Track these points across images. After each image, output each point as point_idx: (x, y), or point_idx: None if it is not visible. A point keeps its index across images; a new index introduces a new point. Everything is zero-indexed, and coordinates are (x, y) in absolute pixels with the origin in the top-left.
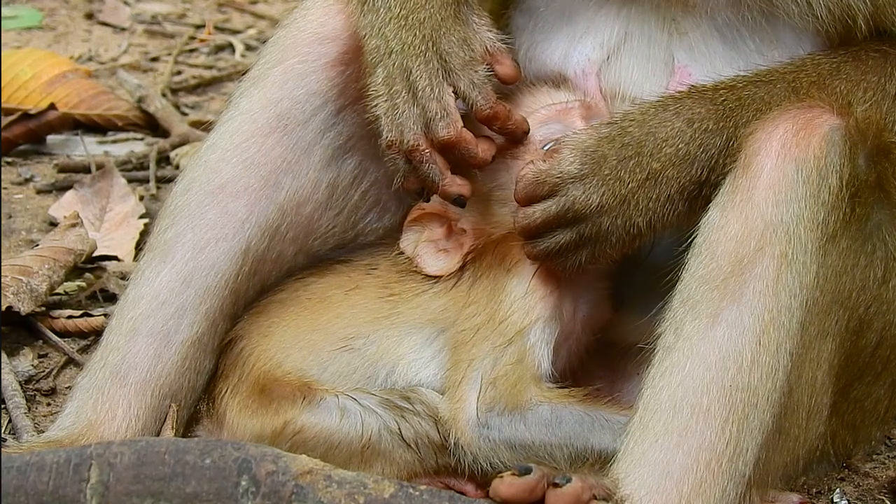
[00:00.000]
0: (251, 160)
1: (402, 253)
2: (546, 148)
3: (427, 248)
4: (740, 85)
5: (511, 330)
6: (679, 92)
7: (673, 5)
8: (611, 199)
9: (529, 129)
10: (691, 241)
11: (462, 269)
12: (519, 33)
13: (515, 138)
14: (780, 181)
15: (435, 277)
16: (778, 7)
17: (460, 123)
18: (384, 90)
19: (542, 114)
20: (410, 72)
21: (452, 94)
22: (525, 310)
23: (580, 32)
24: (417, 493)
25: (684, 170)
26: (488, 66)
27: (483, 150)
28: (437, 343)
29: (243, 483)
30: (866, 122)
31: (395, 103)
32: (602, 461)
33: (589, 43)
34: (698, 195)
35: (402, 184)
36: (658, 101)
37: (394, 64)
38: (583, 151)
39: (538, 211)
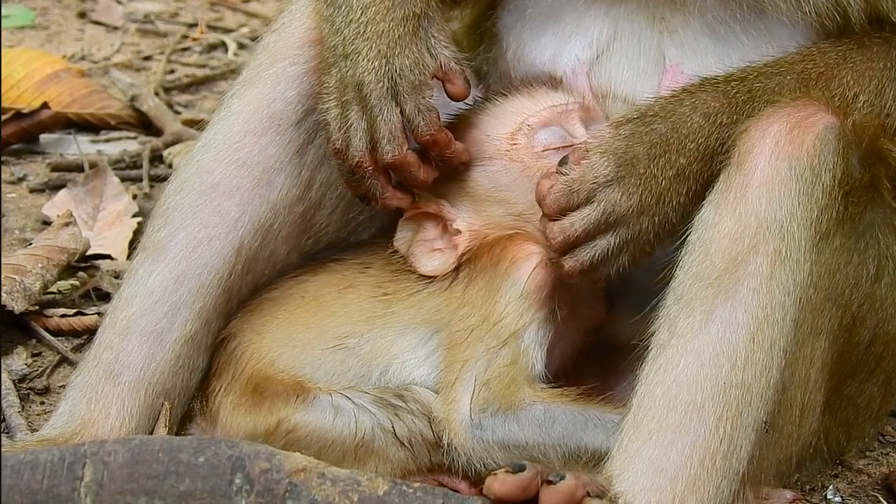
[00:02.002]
0: (244, 160)
1: (396, 252)
2: (544, 149)
3: (421, 248)
4: (751, 76)
5: (505, 332)
6: (692, 85)
7: (661, 3)
8: (649, 198)
9: (468, 161)
10: (685, 239)
11: (457, 269)
12: (507, 33)
13: (452, 166)
14: (773, 179)
15: (429, 277)
16: (766, 3)
17: (406, 146)
18: (336, 95)
19: (541, 116)
20: (362, 86)
21: (400, 116)
22: (519, 312)
23: (569, 32)
24: (411, 490)
25: (707, 164)
26: (441, 83)
27: (425, 171)
28: (431, 343)
29: (237, 481)
30: (863, 124)
31: (345, 114)
32: (596, 460)
33: (578, 42)
34: None
35: (346, 187)
36: (673, 96)
37: (348, 71)
38: (614, 153)
39: (577, 221)
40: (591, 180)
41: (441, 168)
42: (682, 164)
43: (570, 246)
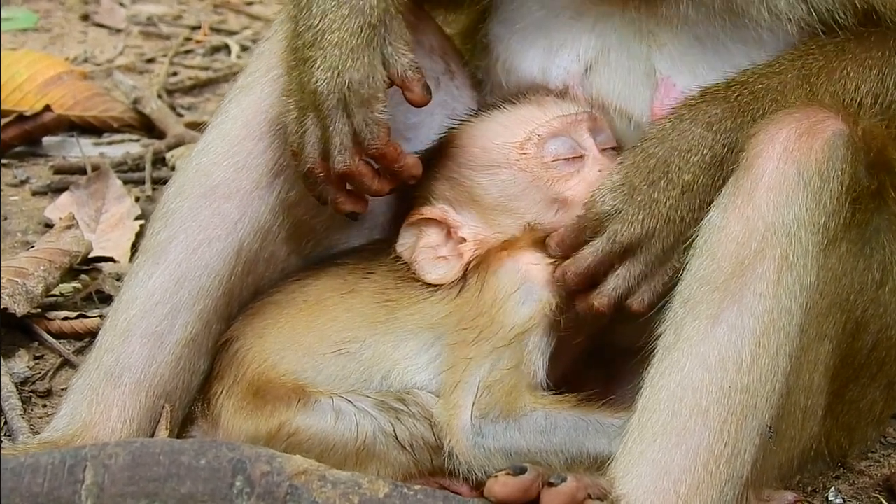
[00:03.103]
0: (243, 163)
1: (399, 257)
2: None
3: (425, 255)
4: (752, 79)
5: (508, 338)
6: (691, 98)
7: (647, 18)
8: (653, 222)
9: (420, 175)
10: (692, 242)
11: (464, 277)
12: (497, 44)
13: (402, 180)
14: (781, 184)
15: (434, 285)
16: (743, 13)
17: (357, 157)
18: (295, 98)
19: (551, 126)
20: (316, 94)
21: (351, 127)
22: (523, 318)
23: (556, 45)
24: (412, 493)
25: (717, 173)
26: (399, 90)
27: (379, 182)
28: (434, 349)
29: (238, 484)
30: (872, 132)
31: (302, 118)
32: (598, 466)
33: (566, 56)
34: None
35: (303, 186)
36: (673, 114)
37: (304, 77)
38: (612, 188)
39: (587, 251)
40: (594, 216)
41: (395, 178)
42: (686, 180)
43: (587, 278)
